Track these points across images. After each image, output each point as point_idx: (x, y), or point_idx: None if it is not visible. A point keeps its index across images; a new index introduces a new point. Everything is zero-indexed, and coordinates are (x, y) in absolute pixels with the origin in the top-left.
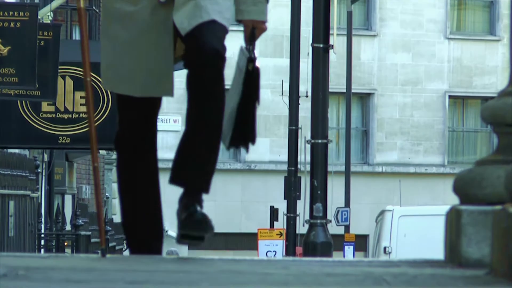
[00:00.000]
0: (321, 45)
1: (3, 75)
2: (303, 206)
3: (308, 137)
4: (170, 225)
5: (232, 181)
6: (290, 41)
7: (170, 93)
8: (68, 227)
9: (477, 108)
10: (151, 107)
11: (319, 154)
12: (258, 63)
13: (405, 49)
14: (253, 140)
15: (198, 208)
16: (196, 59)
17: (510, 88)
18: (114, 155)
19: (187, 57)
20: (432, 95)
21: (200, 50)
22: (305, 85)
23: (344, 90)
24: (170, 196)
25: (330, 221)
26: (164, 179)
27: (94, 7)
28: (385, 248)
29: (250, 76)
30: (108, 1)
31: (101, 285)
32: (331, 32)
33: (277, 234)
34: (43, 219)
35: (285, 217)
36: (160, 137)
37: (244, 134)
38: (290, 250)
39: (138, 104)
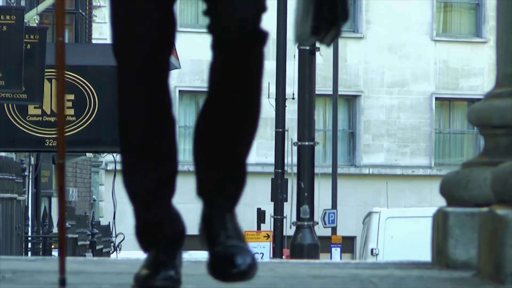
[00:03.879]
0: (307, 48)
1: None
2: (290, 208)
3: (295, 139)
4: None
5: None
6: (276, 43)
7: None
8: (55, 229)
9: (464, 110)
10: None
11: (306, 156)
12: None
13: (391, 51)
14: (345, 16)
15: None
16: (221, 32)
17: (496, 90)
18: (101, 158)
19: (210, 19)
20: (418, 97)
21: (228, 19)
22: (292, 87)
23: (331, 93)
24: None
25: (317, 223)
26: None
27: (80, 10)
28: (372, 250)
29: None
30: None
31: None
32: None
33: (264, 236)
34: (30, 222)
35: (272, 219)
36: None
37: (332, 10)
38: (277, 252)
39: None
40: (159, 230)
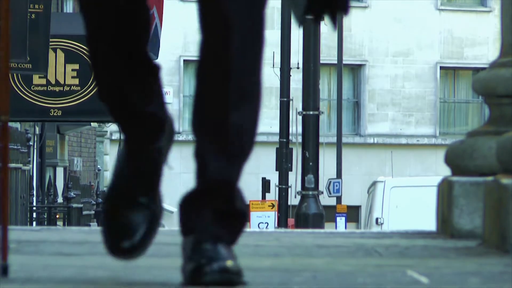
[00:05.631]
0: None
1: None
2: (294, 178)
3: (300, 108)
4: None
5: None
6: (281, 12)
7: None
8: (60, 199)
9: (468, 79)
10: None
11: (311, 126)
12: None
13: (396, 21)
14: (345, 8)
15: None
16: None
17: (501, 59)
18: (105, 128)
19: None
20: (423, 66)
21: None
22: (296, 56)
23: (335, 62)
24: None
25: (322, 192)
26: None
27: None
28: (377, 219)
29: None
30: None
31: (93, 258)
32: None
33: (269, 206)
34: (34, 192)
35: (277, 188)
36: None
37: None
38: (282, 222)
39: None
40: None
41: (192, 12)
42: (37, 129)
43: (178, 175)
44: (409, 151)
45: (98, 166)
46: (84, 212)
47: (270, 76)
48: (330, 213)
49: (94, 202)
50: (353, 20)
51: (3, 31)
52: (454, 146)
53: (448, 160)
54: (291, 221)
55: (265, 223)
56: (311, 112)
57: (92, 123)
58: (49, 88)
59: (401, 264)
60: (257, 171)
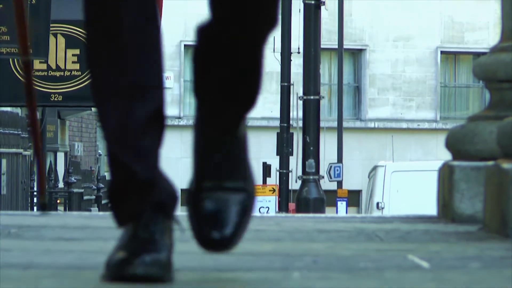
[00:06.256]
0: (313, 2)
1: None
2: (295, 162)
3: (300, 93)
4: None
5: None
6: None
7: None
8: (60, 184)
9: (469, 64)
10: None
11: (311, 110)
12: None
13: (396, 5)
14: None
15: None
16: None
17: (501, 44)
18: None
19: None
20: (424, 51)
21: None
22: (297, 41)
23: (336, 46)
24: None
25: (323, 177)
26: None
27: None
28: (378, 203)
29: None
30: None
31: (94, 243)
32: None
33: (269, 190)
34: (35, 177)
35: (278, 173)
36: None
37: None
38: (282, 206)
39: None
40: (140, 193)
41: None
42: (37, 114)
43: (179, 159)
44: (409, 136)
45: (99, 151)
46: (85, 197)
47: (270, 61)
48: (331, 198)
49: (95, 187)
50: (353, 4)
51: None
52: (455, 130)
53: (449, 145)
54: (292, 205)
55: (266, 207)
56: (311, 97)
57: (92, 108)
58: (50, 73)
59: (402, 249)
60: (257, 155)
